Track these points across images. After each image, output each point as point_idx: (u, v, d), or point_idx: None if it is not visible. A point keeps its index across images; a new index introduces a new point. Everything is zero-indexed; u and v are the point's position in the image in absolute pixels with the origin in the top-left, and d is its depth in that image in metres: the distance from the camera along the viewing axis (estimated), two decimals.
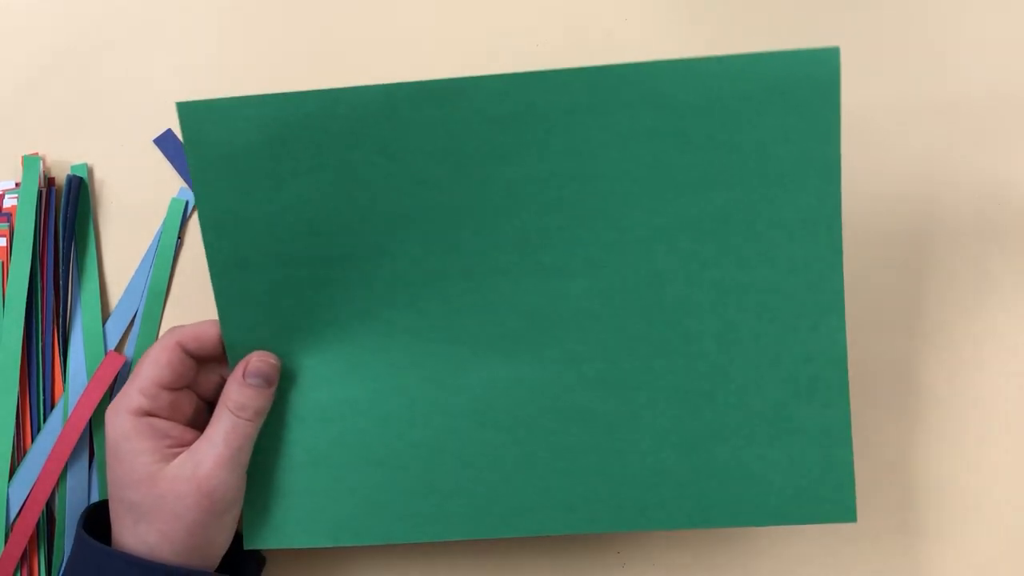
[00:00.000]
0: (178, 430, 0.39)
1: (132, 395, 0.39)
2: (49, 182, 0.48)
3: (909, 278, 0.48)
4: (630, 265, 0.39)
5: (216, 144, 0.38)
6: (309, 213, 0.39)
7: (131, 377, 0.40)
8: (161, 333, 0.48)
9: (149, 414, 0.39)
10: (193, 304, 0.48)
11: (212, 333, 0.40)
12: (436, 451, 0.40)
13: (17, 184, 0.48)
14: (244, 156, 0.38)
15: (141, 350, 0.48)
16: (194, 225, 0.49)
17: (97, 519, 0.41)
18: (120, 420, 0.39)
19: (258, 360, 0.39)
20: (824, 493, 0.39)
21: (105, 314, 0.48)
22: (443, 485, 0.40)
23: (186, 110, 0.38)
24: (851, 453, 0.39)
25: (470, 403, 0.40)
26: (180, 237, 0.49)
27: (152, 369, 0.39)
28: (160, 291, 0.48)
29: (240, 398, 0.39)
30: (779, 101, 0.37)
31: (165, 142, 0.49)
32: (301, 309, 0.40)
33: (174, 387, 0.40)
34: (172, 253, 0.48)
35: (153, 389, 0.39)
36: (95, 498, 0.46)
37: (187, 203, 0.49)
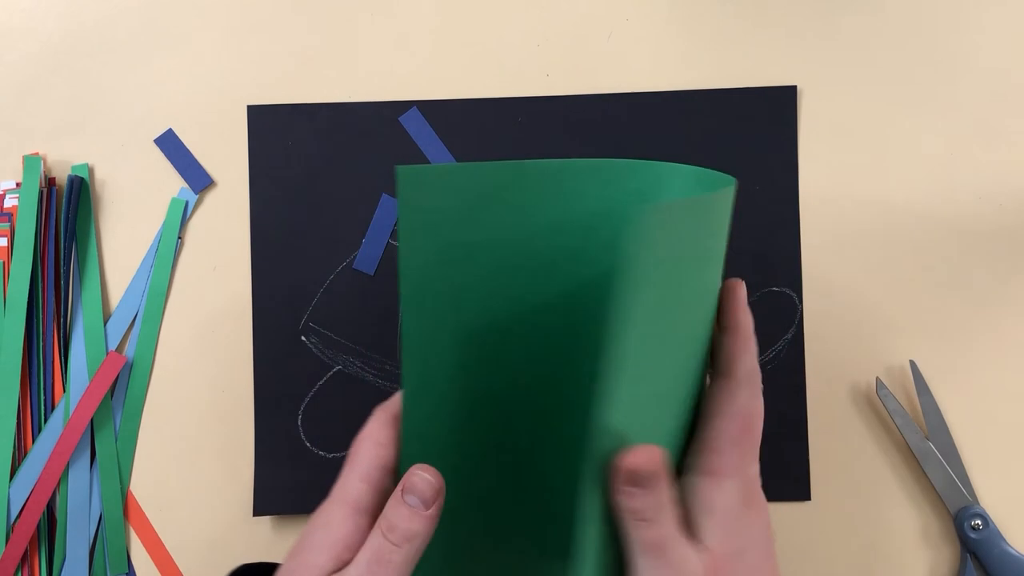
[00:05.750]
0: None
1: (351, 484, 0.33)
2: (50, 182, 0.48)
3: (911, 276, 0.48)
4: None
5: (426, 211, 0.32)
6: (485, 293, 0.34)
7: (348, 461, 0.34)
8: (161, 333, 0.48)
9: (371, 512, 0.33)
10: (194, 304, 0.48)
11: None
12: None
13: (18, 184, 0.48)
14: (446, 225, 0.33)
15: (142, 350, 0.48)
16: (194, 225, 0.49)
17: None
18: (333, 509, 0.33)
19: (418, 476, 0.32)
20: None
21: (106, 314, 0.48)
22: None
23: (406, 175, 0.32)
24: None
25: None
26: (180, 237, 0.49)
27: (373, 449, 0.33)
28: (161, 291, 0.48)
29: (393, 517, 0.32)
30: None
31: (165, 142, 0.49)
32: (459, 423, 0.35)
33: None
34: (172, 253, 0.48)
35: (376, 473, 0.33)
36: (96, 499, 0.46)
37: (187, 203, 0.49)
